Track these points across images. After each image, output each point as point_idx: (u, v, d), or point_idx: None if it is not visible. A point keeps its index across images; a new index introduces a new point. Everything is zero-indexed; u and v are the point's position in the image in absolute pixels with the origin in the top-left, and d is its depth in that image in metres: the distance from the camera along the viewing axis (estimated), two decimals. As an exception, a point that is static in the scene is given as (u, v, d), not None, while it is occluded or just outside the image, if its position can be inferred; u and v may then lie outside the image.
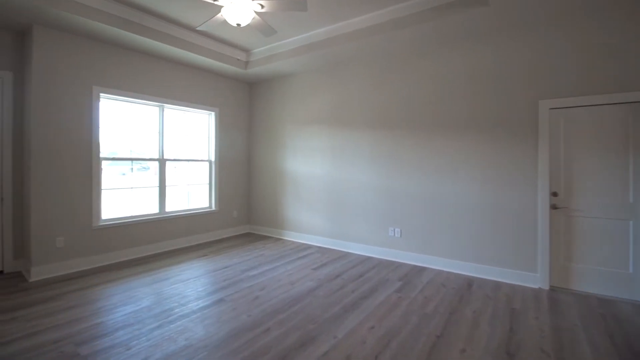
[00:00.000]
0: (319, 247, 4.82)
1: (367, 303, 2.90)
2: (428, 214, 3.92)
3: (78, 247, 3.76)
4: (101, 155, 3.98)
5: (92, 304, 2.86)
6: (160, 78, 4.52)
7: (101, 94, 3.93)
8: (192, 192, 5.12)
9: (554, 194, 3.25)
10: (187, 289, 3.19)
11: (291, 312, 2.71)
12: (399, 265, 3.98)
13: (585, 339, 2.33)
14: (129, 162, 4.32)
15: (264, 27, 3.16)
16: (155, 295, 3.04)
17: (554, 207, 3.24)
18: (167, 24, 3.90)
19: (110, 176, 4.15)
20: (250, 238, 5.38)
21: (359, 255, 4.41)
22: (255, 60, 4.87)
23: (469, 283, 3.40)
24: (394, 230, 4.16)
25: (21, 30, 3.55)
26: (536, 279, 3.29)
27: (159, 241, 4.53)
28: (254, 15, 2.90)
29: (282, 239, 5.29)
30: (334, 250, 4.65)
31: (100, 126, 3.92)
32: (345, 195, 4.61)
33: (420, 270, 3.81)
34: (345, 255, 4.41)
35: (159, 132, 4.60)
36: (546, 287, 3.25)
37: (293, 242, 5.08)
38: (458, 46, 3.71)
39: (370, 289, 3.23)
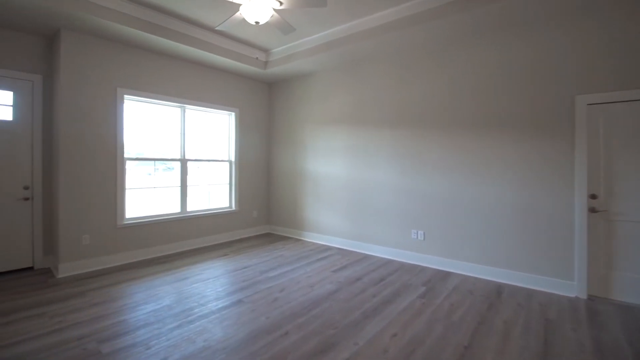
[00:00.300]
0: (339, 248, 4.74)
1: (389, 309, 2.78)
2: (453, 216, 3.74)
3: (103, 245, 3.85)
4: (125, 155, 4.06)
5: (115, 301, 2.90)
6: (182, 79, 4.58)
7: (125, 96, 4.01)
8: (213, 192, 5.16)
9: (593, 197, 3.01)
10: (206, 289, 3.19)
11: (310, 316, 2.64)
12: (422, 269, 3.83)
13: (631, 355, 2.13)
14: (153, 162, 4.40)
15: (282, 24, 3.11)
16: (176, 294, 3.05)
17: (592, 210, 3.01)
18: (188, 25, 3.94)
19: (136, 176, 4.24)
20: (270, 238, 5.36)
21: (380, 257, 4.28)
22: (274, 60, 4.85)
23: (499, 290, 3.21)
24: (417, 232, 4.01)
25: (50, 35, 3.67)
26: (573, 287, 3.07)
27: (180, 240, 4.59)
28: (273, 12, 2.86)
29: (301, 240, 5.24)
30: (354, 252, 4.55)
31: (124, 127, 4.00)
32: (366, 196, 4.49)
33: (445, 275, 3.64)
34: (366, 257, 4.30)
35: (181, 133, 4.66)
36: (584, 296, 3.02)
37: (313, 243, 5.02)
38: (481, 41, 3.52)
39: (393, 293, 3.11)
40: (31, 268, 3.73)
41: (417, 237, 4.01)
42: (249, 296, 3.03)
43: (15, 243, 3.60)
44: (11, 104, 3.52)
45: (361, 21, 3.75)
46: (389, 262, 4.10)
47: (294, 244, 5.01)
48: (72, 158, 3.61)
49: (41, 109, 3.72)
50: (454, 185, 3.73)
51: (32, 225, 3.71)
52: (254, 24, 2.83)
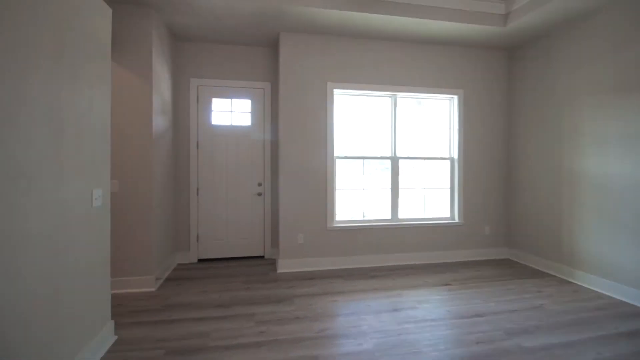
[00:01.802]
0: (665, 315, 2.53)
1: None
2: None
3: (314, 246, 3.72)
4: (335, 154, 3.79)
5: (316, 321, 2.47)
6: (391, 63, 3.87)
7: (334, 90, 3.74)
8: (429, 197, 4.16)
9: None
10: (421, 338, 2.23)
11: None
12: None
13: None
14: (362, 160, 3.92)
15: None
16: (381, 336, 2.27)
17: None
18: (402, -12, 3.14)
19: (352, 176, 3.92)
20: (511, 270, 3.74)
21: None
22: (520, 8, 3.25)
23: None
24: None
25: (273, 43, 3.90)
26: None
27: (388, 252, 3.89)
28: None
29: (571, 283, 3.30)
30: None
31: (334, 124, 3.73)
32: None
33: None
34: None
35: (391, 126, 3.96)
36: None
37: (596, 294, 3.01)
38: None
39: None
40: (262, 257, 4.10)
41: None
42: (491, 378, 1.80)
43: (252, 233, 4.05)
44: (249, 110, 3.95)
45: None
46: None
47: (558, 287, 3.19)
48: (289, 157, 3.64)
49: (270, 113, 4.02)
50: None
51: (264, 218, 4.06)
52: None
